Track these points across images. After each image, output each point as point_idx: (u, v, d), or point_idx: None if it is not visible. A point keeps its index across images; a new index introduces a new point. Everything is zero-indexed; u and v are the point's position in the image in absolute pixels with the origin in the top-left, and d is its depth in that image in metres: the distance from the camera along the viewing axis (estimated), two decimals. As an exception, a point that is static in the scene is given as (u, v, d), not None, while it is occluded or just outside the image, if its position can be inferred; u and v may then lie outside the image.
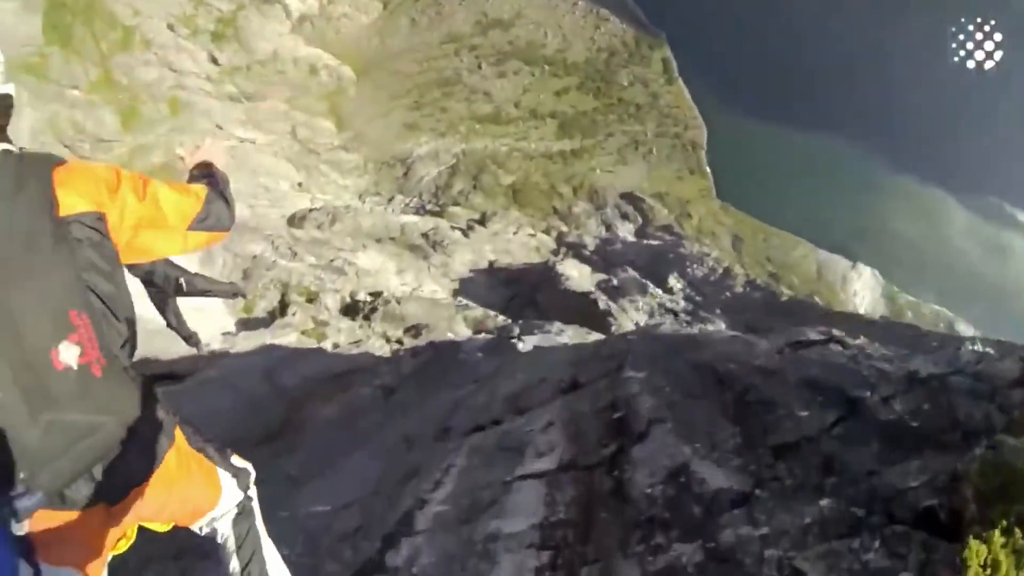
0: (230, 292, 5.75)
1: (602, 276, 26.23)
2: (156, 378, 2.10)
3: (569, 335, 15.41)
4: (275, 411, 9.92)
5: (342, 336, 16.22)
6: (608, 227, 39.83)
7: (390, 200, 38.95)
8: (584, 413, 4.97)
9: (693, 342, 6.28)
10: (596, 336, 16.20)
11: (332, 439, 7.86)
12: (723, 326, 22.60)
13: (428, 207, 38.62)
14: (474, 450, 4.99)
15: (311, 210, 31.59)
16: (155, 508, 1.98)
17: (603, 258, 31.45)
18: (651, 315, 22.61)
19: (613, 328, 20.81)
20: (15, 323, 1.56)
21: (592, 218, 40.73)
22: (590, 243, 34.37)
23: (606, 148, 47.20)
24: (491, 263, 30.24)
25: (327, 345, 15.18)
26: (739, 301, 25.32)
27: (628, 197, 43.00)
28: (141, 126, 29.81)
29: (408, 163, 42.56)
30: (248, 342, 13.39)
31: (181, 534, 2.34)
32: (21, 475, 1.62)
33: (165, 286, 3.89)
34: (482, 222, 35.00)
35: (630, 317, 22.17)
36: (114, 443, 1.78)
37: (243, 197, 31.48)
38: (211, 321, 15.67)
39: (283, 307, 18.68)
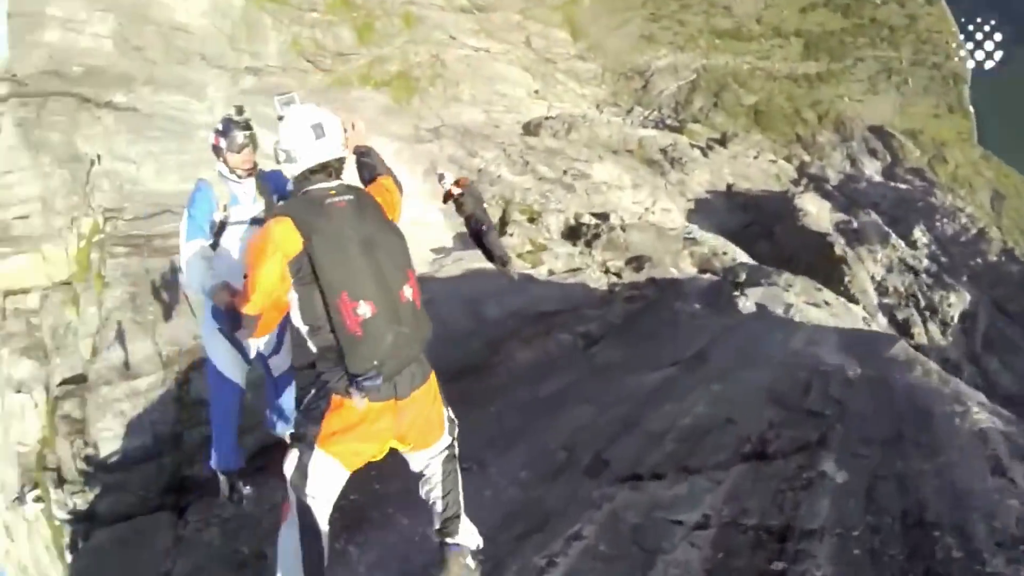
0: (503, 259, 7.41)
1: (842, 216, 24.34)
2: None
3: (797, 290, 14.55)
4: (472, 348, 9.31)
5: (559, 263, 15.23)
6: (853, 162, 36.42)
7: (629, 112, 37.91)
8: (744, 530, 3.82)
9: (927, 429, 4.79)
10: (826, 296, 15.28)
11: (510, 402, 7.05)
12: (968, 298, 20.69)
13: (667, 122, 37.31)
14: (610, 521, 4.11)
15: (547, 118, 31.39)
16: (411, 418, 2.83)
17: (845, 196, 29.31)
18: (889, 270, 21.23)
19: (847, 279, 19.97)
20: (384, 275, 2.71)
21: (837, 150, 37.38)
22: (833, 177, 32.01)
23: (855, 74, 42.67)
24: (729, 186, 29.02)
25: (542, 271, 14.39)
26: (991, 271, 22.72)
27: (877, 131, 38.78)
28: (377, 40, 31.08)
29: (647, 76, 40.95)
30: (457, 266, 12.35)
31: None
32: (375, 363, 2.60)
33: (476, 228, 5.49)
34: (722, 142, 33.43)
35: (866, 268, 20.91)
36: (416, 354, 2.83)
37: (479, 103, 32.25)
38: (428, 235, 14.95)
39: (502, 226, 17.78)
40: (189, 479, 5.77)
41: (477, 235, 12.42)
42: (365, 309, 2.58)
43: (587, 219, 19.15)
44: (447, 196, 13.30)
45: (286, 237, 2.61)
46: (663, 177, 27.67)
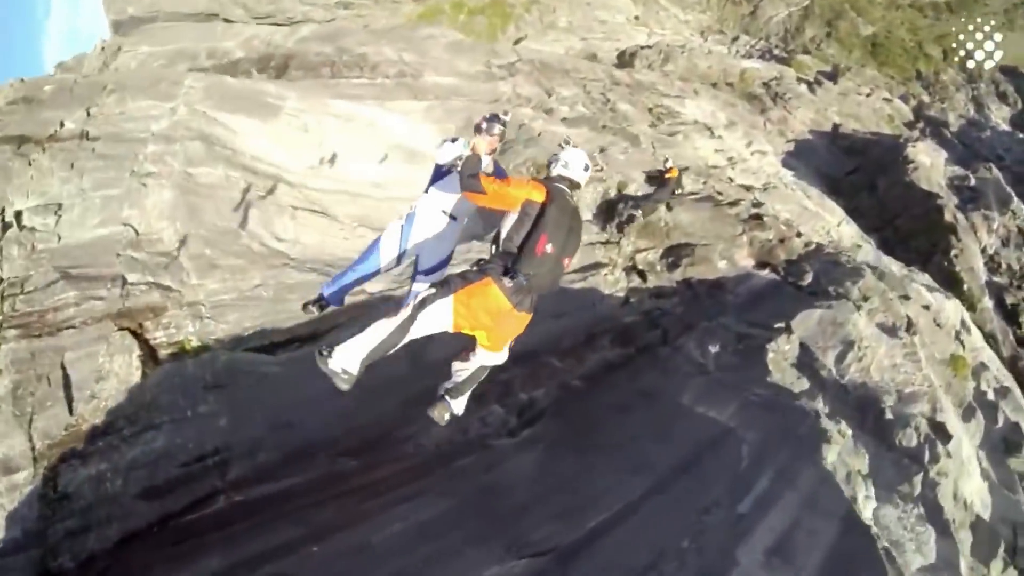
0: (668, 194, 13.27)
1: (958, 170, 20.51)
2: None
3: (873, 305, 11.06)
4: (384, 409, 7.09)
5: (574, 258, 11.93)
6: (979, 106, 31.02)
7: (734, 40, 33.89)
8: None
9: None
10: (911, 308, 11.64)
11: (337, 544, 5.77)
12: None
13: (775, 52, 33.10)
14: None
15: (643, 47, 28.39)
16: (506, 327, 4.05)
17: (965, 145, 24.96)
18: (1005, 243, 17.71)
19: (954, 252, 16.88)
20: (566, 245, 4.13)
21: (961, 91, 31.97)
22: (953, 122, 27.32)
23: (990, 5, 36.35)
24: (835, 127, 25.43)
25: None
26: None
27: (1010, 73, 33.08)
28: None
29: (755, 0, 36.54)
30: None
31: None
32: (531, 272, 3.92)
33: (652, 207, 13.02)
34: (833, 77, 29.26)
35: (978, 239, 17.56)
36: (541, 291, 4.07)
37: (576, 30, 29.43)
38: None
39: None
40: (53, 571, 6.08)
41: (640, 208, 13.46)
42: (549, 248, 3.98)
43: (632, 189, 14.18)
44: (662, 174, 13.75)
45: (539, 192, 4.12)
46: (763, 115, 24.28)
